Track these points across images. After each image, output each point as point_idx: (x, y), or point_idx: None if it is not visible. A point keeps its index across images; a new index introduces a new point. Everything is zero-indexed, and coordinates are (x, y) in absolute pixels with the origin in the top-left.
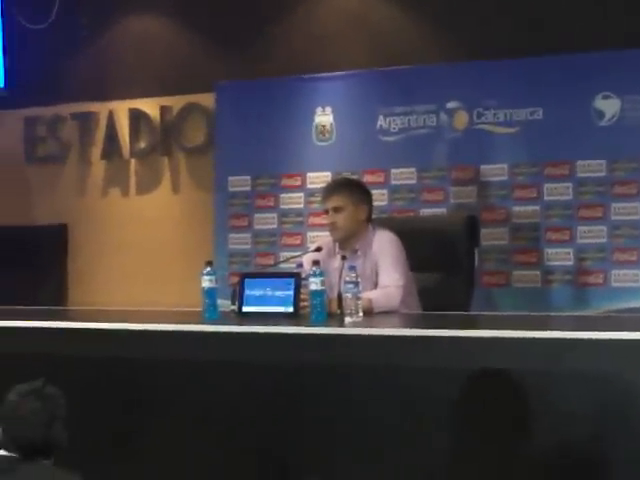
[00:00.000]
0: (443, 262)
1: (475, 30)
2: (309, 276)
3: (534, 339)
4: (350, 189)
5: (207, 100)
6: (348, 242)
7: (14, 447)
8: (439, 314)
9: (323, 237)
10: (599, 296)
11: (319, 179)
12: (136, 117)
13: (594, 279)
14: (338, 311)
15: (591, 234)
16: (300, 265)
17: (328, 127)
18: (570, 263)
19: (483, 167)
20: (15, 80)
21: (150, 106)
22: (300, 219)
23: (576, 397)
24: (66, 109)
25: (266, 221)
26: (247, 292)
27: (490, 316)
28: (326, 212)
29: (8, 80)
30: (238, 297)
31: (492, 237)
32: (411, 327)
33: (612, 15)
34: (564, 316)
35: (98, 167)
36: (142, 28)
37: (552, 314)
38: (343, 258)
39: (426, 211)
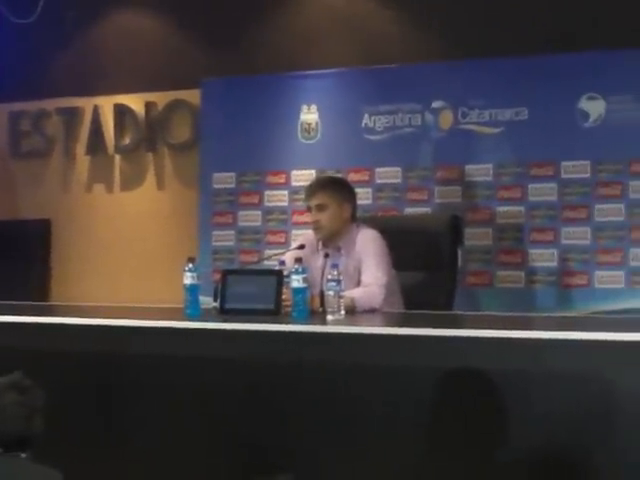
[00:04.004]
0: (427, 261)
1: (460, 29)
2: (291, 273)
3: (516, 339)
4: (334, 187)
5: (193, 96)
6: (331, 240)
7: None
8: (421, 313)
9: (306, 234)
10: (583, 297)
11: (304, 177)
12: (121, 113)
13: (578, 280)
14: (320, 309)
15: (575, 235)
16: (283, 262)
17: (313, 125)
18: (554, 264)
19: (468, 167)
20: (0, 75)
21: (135, 102)
22: (284, 217)
23: (557, 398)
24: (51, 104)
25: (250, 218)
26: (229, 289)
27: (472, 316)
28: (310, 210)
29: None
30: (220, 294)
31: (476, 237)
32: (393, 326)
33: (597, 15)
34: (546, 317)
35: (83, 162)
36: (128, 23)
37: (534, 314)
38: (326, 256)
39: (411, 210)
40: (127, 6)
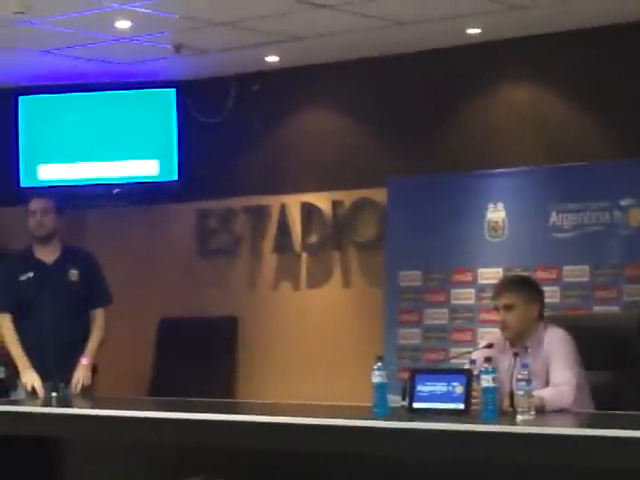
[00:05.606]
0: (616, 361)
1: None
2: (481, 373)
3: None
4: (521, 287)
5: (379, 195)
6: (519, 339)
7: None
8: (613, 414)
9: (493, 333)
10: None
11: (490, 275)
12: (308, 211)
13: None
14: (510, 409)
15: None
16: (472, 362)
17: (500, 223)
18: None
19: None
20: (188, 173)
21: (322, 200)
22: (471, 315)
23: None
24: (238, 202)
25: (437, 316)
26: (418, 388)
27: None
28: (497, 309)
29: (182, 173)
30: (409, 393)
31: None
32: (585, 426)
33: None
34: None
35: (269, 260)
36: (314, 122)
37: None
38: (515, 355)
39: (599, 309)
40: (313, 106)
